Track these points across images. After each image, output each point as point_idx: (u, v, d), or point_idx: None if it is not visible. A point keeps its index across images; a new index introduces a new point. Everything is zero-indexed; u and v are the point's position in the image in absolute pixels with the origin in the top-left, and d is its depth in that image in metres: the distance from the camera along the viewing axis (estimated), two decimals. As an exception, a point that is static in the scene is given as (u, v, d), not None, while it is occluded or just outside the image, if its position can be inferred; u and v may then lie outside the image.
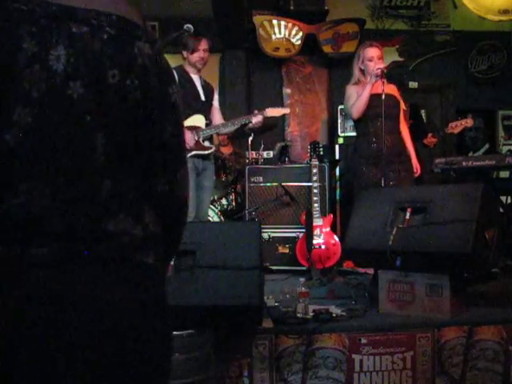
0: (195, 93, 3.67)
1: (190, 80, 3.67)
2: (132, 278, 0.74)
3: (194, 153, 3.57)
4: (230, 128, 3.72)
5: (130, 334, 0.71)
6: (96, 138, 0.71)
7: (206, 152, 3.66)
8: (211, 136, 3.76)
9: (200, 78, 3.75)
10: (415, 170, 3.71)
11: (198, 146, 3.60)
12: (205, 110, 3.72)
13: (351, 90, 3.65)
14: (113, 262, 0.72)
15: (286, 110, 3.86)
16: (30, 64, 0.66)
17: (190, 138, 3.50)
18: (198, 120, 3.65)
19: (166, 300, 0.81)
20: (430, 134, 4.36)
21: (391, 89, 3.66)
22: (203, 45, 3.61)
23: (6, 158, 0.66)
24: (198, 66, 3.67)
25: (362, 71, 3.63)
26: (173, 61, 3.50)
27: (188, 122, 3.56)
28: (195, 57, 3.62)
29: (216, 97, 3.86)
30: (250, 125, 3.68)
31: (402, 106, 3.76)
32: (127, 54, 0.74)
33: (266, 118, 3.73)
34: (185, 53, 3.65)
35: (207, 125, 3.69)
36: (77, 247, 0.70)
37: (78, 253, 0.70)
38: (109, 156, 0.72)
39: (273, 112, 3.76)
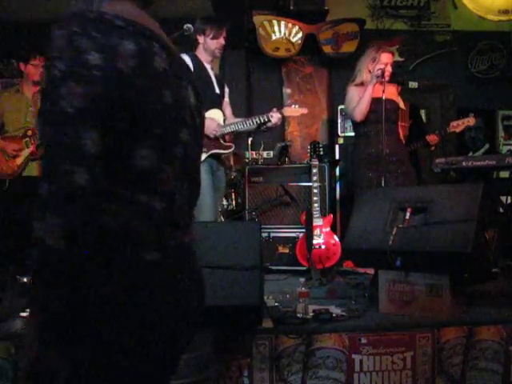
0: (211, 84, 3.41)
1: (205, 69, 3.40)
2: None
3: (213, 151, 3.34)
4: (248, 127, 3.42)
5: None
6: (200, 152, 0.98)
7: (227, 151, 3.43)
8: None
9: (212, 68, 3.48)
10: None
11: (217, 144, 3.35)
12: (220, 103, 3.46)
13: (353, 92, 3.64)
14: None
15: (304, 110, 3.57)
16: (184, 98, 0.87)
17: (214, 128, 3.31)
18: (215, 115, 3.38)
19: None
20: (432, 135, 4.35)
21: (391, 91, 3.65)
22: (224, 32, 3.38)
23: (174, 165, 0.83)
24: (216, 54, 3.40)
25: (370, 72, 3.60)
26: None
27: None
28: (215, 43, 3.35)
29: (227, 90, 3.59)
30: (270, 124, 3.39)
31: (402, 106, 3.75)
32: (200, 95, 0.98)
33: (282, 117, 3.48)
34: (201, 38, 3.37)
35: (224, 121, 3.44)
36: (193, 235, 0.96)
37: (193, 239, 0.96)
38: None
39: (291, 112, 3.53)
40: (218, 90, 3.44)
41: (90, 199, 0.70)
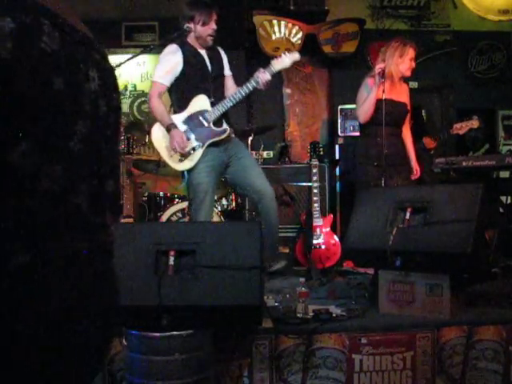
0: (204, 71, 3.22)
1: (198, 55, 3.23)
2: None
3: (209, 141, 3.14)
4: (239, 97, 3.13)
5: None
6: (110, 151, 0.84)
7: (222, 137, 3.14)
8: (226, 115, 3.23)
9: (207, 50, 3.26)
10: (414, 172, 3.68)
11: (209, 132, 3.14)
12: (215, 87, 3.21)
13: (366, 88, 3.56)
14: None
15: (296, 55, 3.15)
16: (83, 83, 0.76)
17: (177, 140, 3.06)
18: (199, 102, 3.17)
19: None
20: (428, 138, 4.33)
21: (404, 92, 3.62)
22: (214, 16, 3.18)
23: (68, 162, 0.73)
24: (208, 42, 3.20)
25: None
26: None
27: (190, 107, 3.16)
28: (207, 30, 3.15)
29: (225, 62, 3.32)
30: (260, 85, 3.08)
31: (409, 106, 3.72)
32: (116, 81, 0.86)
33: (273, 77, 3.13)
34: (192, 26, 3.14)
35: (213, 104, 3.16)
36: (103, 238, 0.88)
37: None
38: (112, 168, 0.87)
39: (280, 63, 3.11)
40: (212, 73, 3.23)
41: None
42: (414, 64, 3.51)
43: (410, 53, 3.52)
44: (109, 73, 0.84)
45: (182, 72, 3.18)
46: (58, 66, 0.69)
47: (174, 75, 3.18)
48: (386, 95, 3.43)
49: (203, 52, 3.25)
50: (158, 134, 3.26)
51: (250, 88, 3.11)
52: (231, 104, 3.15)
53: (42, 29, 0.66)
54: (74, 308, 0.80)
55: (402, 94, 3.56)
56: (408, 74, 3.47)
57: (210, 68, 3.22)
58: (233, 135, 3.26)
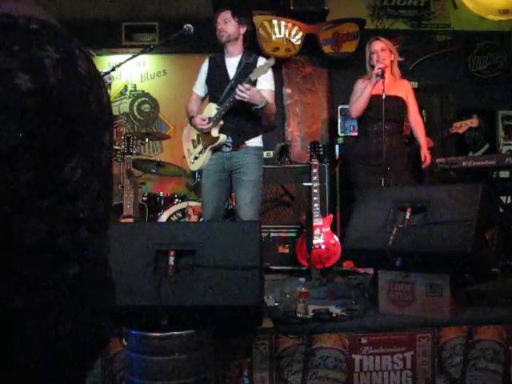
0: (221, 79, 3.21)
1: (221, 63, 3.25)
2: None
3: (209, 147, 3.18)
4: (224, 109, 3.08)
5: None
6: None
7: (216, 144, 3.14)
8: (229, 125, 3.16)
9: (242, 57, 3.21)
10: (423, 159, 3.63)
11: (208, 139, 3.18)
12: (228, 95, 3.13)
13: (358, 86, 3.63)
14: None
15: (271, 62, 3.07)
16: (105, 97, 0.77)
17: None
18: (207, 109, 3.25)
19: None
20: (426, 137, 4.33)
21: (401, 87, 3.62)
22: (218, 17, 3.20)
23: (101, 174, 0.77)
24: (221, 42, 3.21)
25: (372, 67, 3.61)
26: (172, 61, 3.50)
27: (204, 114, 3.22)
28: (216, 32, 3.21)
29: (260, 76, 3.08)
30: (240, 97, 2.97)
31: (413, 103, 3.68)
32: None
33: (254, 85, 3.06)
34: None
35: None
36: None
37: None
38: None
39: (257, 72, 3.03)
40: (231, 77, 3.18)
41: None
42: (383, 55, 3.50)
43: (372, 46, 3.56)
44: (106, 84, 0.86)
45: (206, 80, 3.31)
46: (91, 86, 0.71)
47: (202, 84, 3.34)
48: (377, 91, 3.44)
49: (232, 59, 3.23)
50: (183, 135, 3.48)
51: (230, 105, 3.08)
52: (219, 115, 3.13)
53: (75, 53, 0.69)
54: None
55: (396, 89, 3.56)
56: (379, 66, 3.45)
57: (231, 76, 3.19)
58: (244, 146, 3.18)
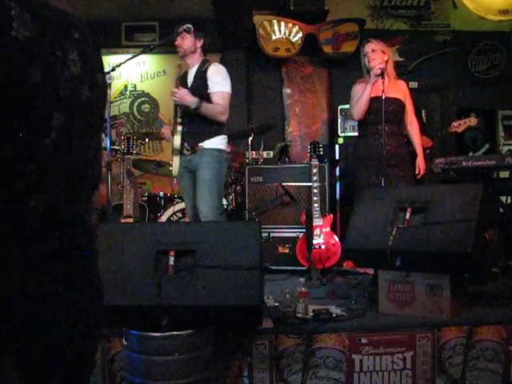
0: (185, 84, 3.40)
1: (185, 77, 3.45)
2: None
3: (173, 153, 3.36)
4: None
5: None
6: (92, 138, 0.76)
7: (173, 149, 3.32)
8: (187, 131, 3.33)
9: (199, 67, 3.39)
10: (418, 170, 3.65)
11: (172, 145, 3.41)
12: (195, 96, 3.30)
13: (355, 90, 3.64)
14: None
15: (178, 94, 3.24)
16: (60, 69, 0.67)
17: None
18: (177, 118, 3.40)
19: None
20: (425, 137, 4.34)
21: (398, 88, 3.62)
22: (175, 34, 3.34)
23: (44, 155, 0.67)
24: (183, 58, 3.41)
25: (367, 70, 3.62)
26: (172, 61, 3.50)
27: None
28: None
29: (210, 80, 3.31)
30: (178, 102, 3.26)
31: (409, 104, 3.70)
32: (100, 59, 0.78)
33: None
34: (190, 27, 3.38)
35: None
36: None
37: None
38: (95, 152, 0.78)
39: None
40: (189, 86, 3.35)
41: None
42: (373, 55, 3.52)
43: (366, 47, 3.59)
44: (91, 51, 0.74)
45: None
46: (32, 54, 0.61)
47: None
48: (376, 93, 3.44)
49: (192, 70, 3.44)
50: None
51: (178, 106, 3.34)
52: (175, 121, 3.35)
53: (11, 14, 0.57)
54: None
55: (393, 91, 3.56)
56: (372, 65, 3.47)
57: (189, 85, 3.39)
58: (198, 148, 3.32)
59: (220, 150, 3.36)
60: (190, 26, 3.22)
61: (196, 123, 3.31)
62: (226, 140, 3.45)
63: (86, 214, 0.80)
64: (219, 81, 3.33)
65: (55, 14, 0.68)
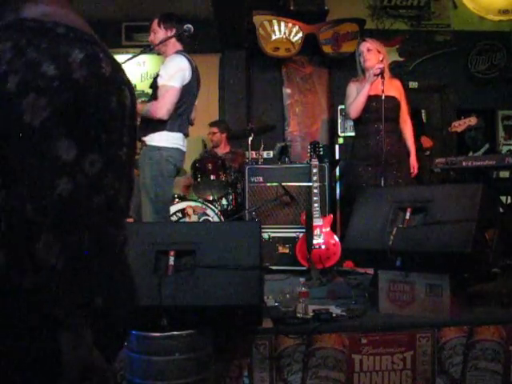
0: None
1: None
2: None
3: None
4: None
5: None
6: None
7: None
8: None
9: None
10: (412, 169, 3.68)
11: None
12: (152, 97, 3.23)
13: (351, 88, 3.65)
14: None
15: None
16: (125, 100, 0.77)
17: None
18: None
19: None
20: (425, 137, 4.36)
21: (394, 87, 3.63)
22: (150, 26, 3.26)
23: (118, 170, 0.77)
24: (159, 55, 3.37)
25: (362, 69, 3.64)
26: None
27: None
28: None
29: (160, 72, 3.16)
30: None
31: (404, 103, 3.72)
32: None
33: None
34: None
35: None
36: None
37: None
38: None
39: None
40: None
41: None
42: (368, 55, 3.55)
43: (361, 47, 3.62)
44: (132, 90, 0.85)
45: None
46: (113, 87, 0.76)
47: None
48: (374, 92, 3.45)
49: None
50: None
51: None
52: None
53: (99, 56, 0.74)
54: None
55: (390, 89, 3.56)
56: (368, 65, 3.48)
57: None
58: (143, 143, 3.16)
59: (160, 148, 3.08)
60: (190, 26, 3.21)
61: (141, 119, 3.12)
62: (176, 137, 3.13)
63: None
64: (163, 74, 3.11)
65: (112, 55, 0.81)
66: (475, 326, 2.33)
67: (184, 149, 3.22)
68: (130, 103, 0.81)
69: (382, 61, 3.52)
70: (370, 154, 3.52)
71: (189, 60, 3.16)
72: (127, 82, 0.83)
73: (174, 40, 3.22)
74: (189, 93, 3.16)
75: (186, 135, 3.24)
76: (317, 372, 2.22)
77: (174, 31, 3.21)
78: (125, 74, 0.83)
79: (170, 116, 3.06)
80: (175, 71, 3.08)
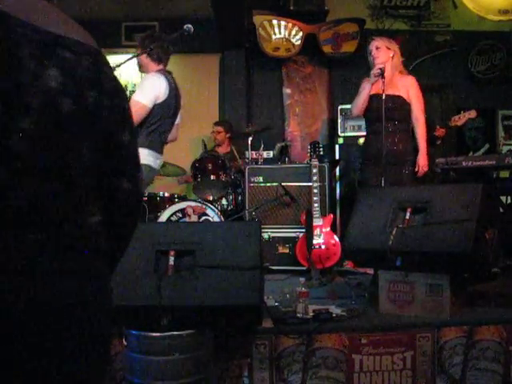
0: None
1: None
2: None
3: None
4: None
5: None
6: (82, 146, 0.87)
7: None
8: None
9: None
10: (417, 168, 3.58)
11: None
12: None
13: (360, 87, 3.64)
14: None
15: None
16: (32, 81, 0.80)
17: None
18: None
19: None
20: (437, 127, 4.37)
21: (403, 85, 3.56)
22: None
23: (10, 160, 0.77)
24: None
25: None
26: (172, 61, 3.48)
27: None
28: None
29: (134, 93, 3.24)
30: None
31: (416, 100, 3.59)
32: (101, 78, 0.91)
33: None
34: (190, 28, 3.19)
35: None
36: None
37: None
38: (92, 160, 0.88)
39: None
40: None
41: None
42: (377, 53, 3.54)
43: (370, 46, 3.61)
44: (74, 73, 0.87)
45: None
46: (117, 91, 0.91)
47: None
48: (373, 91, 3.44)
49: None
50: None
51: None
52: None
53: (113, 71, 0.89)
54: None
55: (396, 87, 3.54)
56: (378, 66, 3.47)
57: None
58: None
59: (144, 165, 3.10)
60: (190, 26, 3.20)
61: None
62: (146, 154, 3.12)
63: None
64: (137, 90, 3.18)
65: (36, 29, 0.82)
66: (475, 325, 2.33)
67: (155, 166, 3.25)
68: (55, 85, 0.83)
69: (392, 57, 3.52)
70: (372, 154, 3.51)
71: (167, 80, 3.17)
72: (65, 60, 0.87)
73: (148, 60, 3.24)
74: (164, 111, 3.17)
75: (160, 153, 3.27)
76: (317, 372, 2.22)
77: (146, 52, 3.21)
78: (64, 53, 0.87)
79: (140, 132, 3.10)
80: (147, 89, 3.11)
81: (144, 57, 3.20)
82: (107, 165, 0.93)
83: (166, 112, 3.18)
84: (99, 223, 0.88)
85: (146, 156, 3.13)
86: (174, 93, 3.23)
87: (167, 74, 3.21)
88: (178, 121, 3.40)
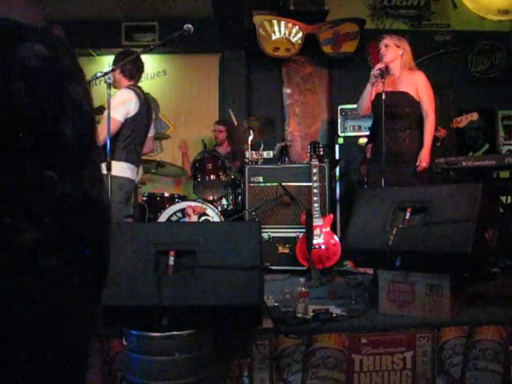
0: None
1: None
2: None
3: None
4: None
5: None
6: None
7: None
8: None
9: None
10: (418, 161, 3.50)
11: None
12: None
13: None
14: None
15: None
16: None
17: None
18: None
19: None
20: (439, 127, 4.36)
21: (411, 81, 3.49)
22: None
23: None
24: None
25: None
26: (172, 61, 3.48)
27: None
28: None
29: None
30: None
31: (425, 97, 3.50)
32: (10, 58, 0.73)
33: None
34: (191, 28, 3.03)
35: None
36: None
37: None
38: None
39: None
40: None
41: None
42: (384, 52, 3.54)
43: (379, 44, 3.60)
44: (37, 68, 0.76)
45: None
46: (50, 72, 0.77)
47: None
48: (378, 90, 3.43)
49: None
50: None
51: None
52: None
53: (51, 50, 0.78)
54: None
55: (403, 84, 3.50)
56: (377, 67, 3.46)
57: None
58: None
59: (119, 178, 3.12)
60: (190, 26, 3.20)
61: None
62: (124, 167, 3.18)
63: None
64: (110, 106, 3.09)
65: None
66: (475, 325, 2.33)
67: (133, 178, 3.32)
68: (79, 96, 0.81)
69: (401, 55, 3.51)
70: (375, 152, 3.51)
71: (137, 94, 3.25)
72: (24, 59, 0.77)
73: (121, 76, 3.32)
74: (136, 124, 3.25)
75: (137, 165, 3.35)
76: (317, 372, 2.22)
77: (119, 68, 3.26)
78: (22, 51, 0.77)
79: (116, 146, 3.15)
80: (118, 104, 3.16)
81: (117, 73, 3.29)
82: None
83: (138, 125, 3.27)
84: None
85: (125, 169, 3.23)
86: (145, 106, 3.33)
87: (136, 89, 3.31)
88: (151, 133, 3.51)
